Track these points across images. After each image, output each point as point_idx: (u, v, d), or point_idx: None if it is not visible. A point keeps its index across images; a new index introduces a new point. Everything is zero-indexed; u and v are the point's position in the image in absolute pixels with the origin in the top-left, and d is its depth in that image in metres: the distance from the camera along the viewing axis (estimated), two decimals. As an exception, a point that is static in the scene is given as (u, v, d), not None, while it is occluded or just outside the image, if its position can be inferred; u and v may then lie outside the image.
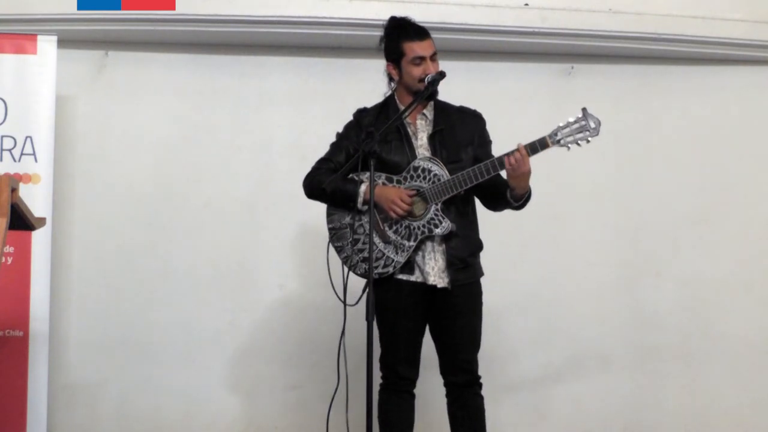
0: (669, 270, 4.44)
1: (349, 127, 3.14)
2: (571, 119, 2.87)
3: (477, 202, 3.14)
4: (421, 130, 3.05)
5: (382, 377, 3.08)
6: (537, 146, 2.85)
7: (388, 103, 3.12)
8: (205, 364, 4.19)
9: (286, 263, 4.28)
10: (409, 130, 3.05)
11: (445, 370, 3.08)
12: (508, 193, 2.94)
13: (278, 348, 4.25)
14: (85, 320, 4.15)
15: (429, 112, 3.08)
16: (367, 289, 2.89)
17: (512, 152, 2.85)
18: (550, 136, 2.86)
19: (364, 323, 2.71)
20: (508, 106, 4.33)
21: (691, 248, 4.45)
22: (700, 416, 4.35)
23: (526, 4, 4.21)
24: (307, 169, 3.90)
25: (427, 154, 3.00)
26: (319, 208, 3.97)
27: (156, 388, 4.15)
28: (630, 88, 4.48)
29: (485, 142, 3.11)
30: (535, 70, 4.45)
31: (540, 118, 4.10)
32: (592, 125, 2.85)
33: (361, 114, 3.13)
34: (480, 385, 3.08)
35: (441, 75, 2.96)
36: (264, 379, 4.24)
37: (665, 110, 4.51)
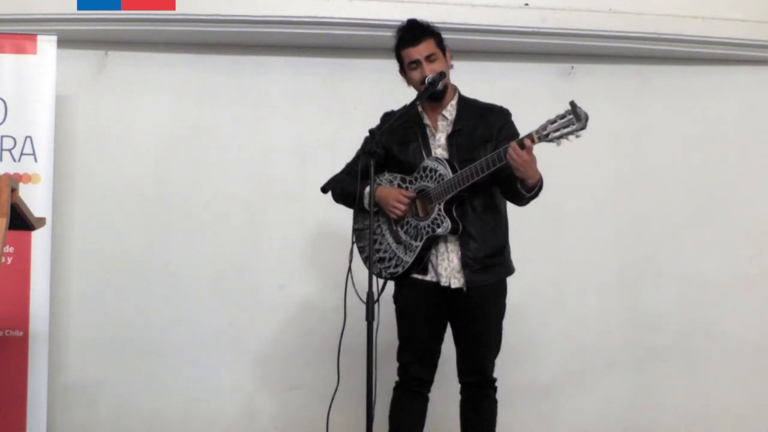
0: (669, 270, 4.43)
1: (372, 132, 3.13)
2: (560, 113, 2.76)
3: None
4: (440, 130, 3.05)
5: (397, 375, 3.10)
6: (523, 143, 2.77)
7: (411, 106, 3.09)
8: (205, 364, 4.19)
9: (286, 263, 4.28)
10: (427, 131, 3.06)
11: (460, 370, 3.10)
12: (518, 185, 2.89)
13: (278, 348, 4.25)
14: (85, 320, 4.15)
15: (449, 112, 3.06)
16: (377, 289, 2.90)
17: (506, 149, 2.79)
18: (537, 131, 2.77)
19: (365, 323, 2.71)
20: (508, 106, 4.30)
21: (691, 248, 4.45)
22: (700, 416, 4.35)
23: (526, 4, 4.21)
24: (306, 168, 3.91)
25: (445, 154, 3.00)
26: (319, 209, 3.99)
27: (156, 388, 4.15)
28: (630, 88, 4.48)
29: (509, 136, 2.97)
30: (535, 70, 4.45)
31: (540, 118, 4.09)
32: (580, 119, 2.70)
33: (386, 117, 3.10)
34: (494, 389, 3.09)
35: (441, 75, 2.96)
36: (264, 379, 4.24)
37: (665, 110, 4.51)
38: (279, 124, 4.34)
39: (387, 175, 3.07)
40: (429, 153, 3.01)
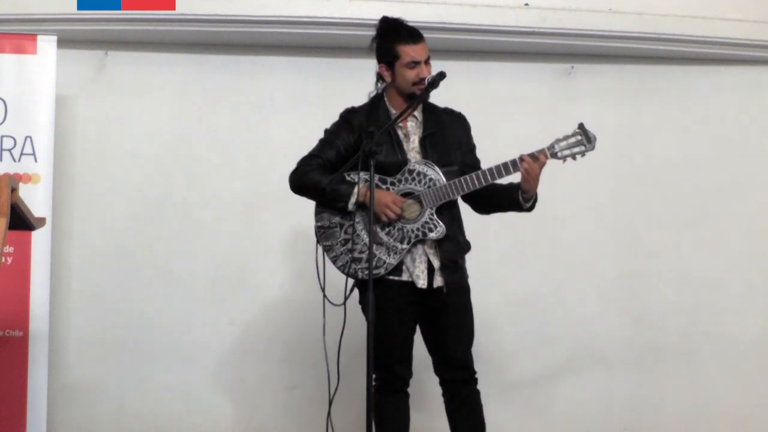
0: (669, 270, 4.43)
1: (339, 125, 3.12)
2: (569, 133, 2.93)
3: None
4: (412, 132, 3.06)
5: (376, 378, 3.06)
6: (538, 157, 2.90)
7: (376, 104, 3.11)
8: (205, 364, 4.19)
9: (285, 263, 4.28)
10: (400, 132, 3.05)
11: (440, 369, 3.09)
12: (519, 195, 2.97)
13: (278, 348, 4.25)
14: (85, 320, 4.15)
15: (418, 113, 3.08)
16: (355, 289, 2.99)
17: (520, 161, 2.89)
18: (549, 148, 2.92)
19: (364, 323, 2.71)
20: (508, 106, 4.33)
21: (691, 248, 4.45)
22: (700, 416, 4.35)
23: (526, 4, 4.21)
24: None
25: (419, 156, 3.01)
26: (319, 208, 3.96)
27: (156, 388, 4.15)
28: (630, 88, 4.48)
29: (472, 147, 3.15)
30: (535, 70, 4.44)
31: (540, 118, 4.10)
32: (589, 140, 2.91)
33: (350, 113, 3.11)
34: (476, 381, 3.10)
35: (441, 76, 2.96)
36: (264, 379, 4.24)
37: (665, 110, 4.51)
38: (279, 124, 4.34)
39: (363, 174, 2.93)
40: (404, 155, 3.01)
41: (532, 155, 2.90)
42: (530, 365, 4.34)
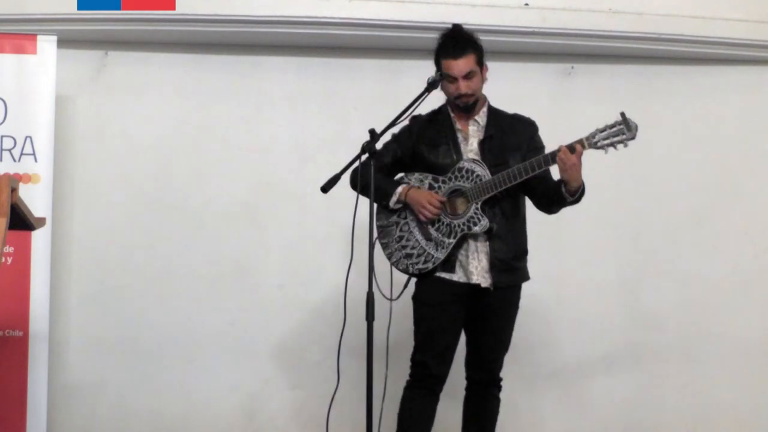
0: (669, 270, 4.43)
1: (402, 130, 3.17)
2: (609, 122, 2.90)
3: (528, 207, 3.19)
4: (472, 135, 3.11)
5: (411, 374, 3.11)
6: (574, 148, 2.90)
7: (441, 111, 3.16)
8: (205, 364, 4.19)
9: (286, 263, 4.28)
10: (459, 135, 3.11)
11: (469, 366, 3.17)
12: (562, 187, 2.99)
13: (278, 348, 4.25)
14: (85, 320, 4.14)
15: (481, 118, 3.13)
16: (406, 286, 3.08)
17: (555, 152, 2.91)
18: (587, 138, 2.91)
19: (365, 323, 2.71)
20: (508, 106, 4.29)
21: (691, 248, 4.45)
22: (700, 416, 4.35)
23: (526, 4, 4.21)
24: (307, 168, 3.84)
25: (476, 158, 3.06)
26: (319, 209, 3.98)
27: (156, 388, 4.15)
28: (630, 88, 4.47)
29: (536, 148, 3.13)
30: (535, 70, 4.45)
31: (540, 118, 4.08)
32: (630, 129, 2.87)
33: (413, 119, 3.14)
34: (499, 388, 3.17)
35: (442, 76, 3.00)
36: (264, 379, 4.24)
37: (665, 110, 4.51)
38: (279, 124, 4.34)
39: (417, 175, 3.11)
40: (460, 156, 3.07)
41: (569, 146, 2.90)
42: (529, 365, 4.33)
